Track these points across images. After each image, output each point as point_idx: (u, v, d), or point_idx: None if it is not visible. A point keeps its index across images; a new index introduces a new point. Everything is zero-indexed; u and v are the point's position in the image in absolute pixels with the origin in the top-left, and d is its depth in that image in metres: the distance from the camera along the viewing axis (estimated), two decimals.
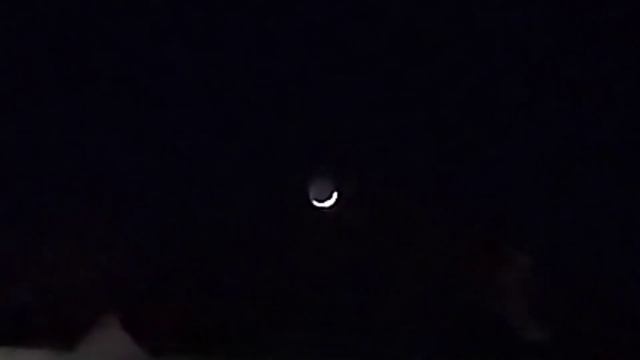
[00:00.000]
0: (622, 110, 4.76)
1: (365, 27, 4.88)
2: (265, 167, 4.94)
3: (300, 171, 4.95)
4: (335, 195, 4.89)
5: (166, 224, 4.96)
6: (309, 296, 4.86)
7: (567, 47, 4.76)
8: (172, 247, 4.94)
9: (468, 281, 4.80)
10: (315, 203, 4.91)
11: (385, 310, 4.81)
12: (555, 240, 4.77)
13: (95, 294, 4.90)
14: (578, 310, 4.73)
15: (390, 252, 4.86)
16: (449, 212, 4.83)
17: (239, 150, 4.94)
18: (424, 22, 4.83)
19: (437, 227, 4.83)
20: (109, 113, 4.97)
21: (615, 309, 4.70)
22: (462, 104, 4.86)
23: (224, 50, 4.93)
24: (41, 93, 5.01)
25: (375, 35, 4.87)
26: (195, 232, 4.95)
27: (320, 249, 4.89)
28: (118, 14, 4.95)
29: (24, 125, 5.02)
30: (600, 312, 4.71)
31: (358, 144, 4.91)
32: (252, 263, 4.91)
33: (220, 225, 4.94)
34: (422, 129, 4.89)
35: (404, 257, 4.84)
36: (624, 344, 4.65)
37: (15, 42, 4.98)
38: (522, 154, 4.81)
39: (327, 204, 4.91)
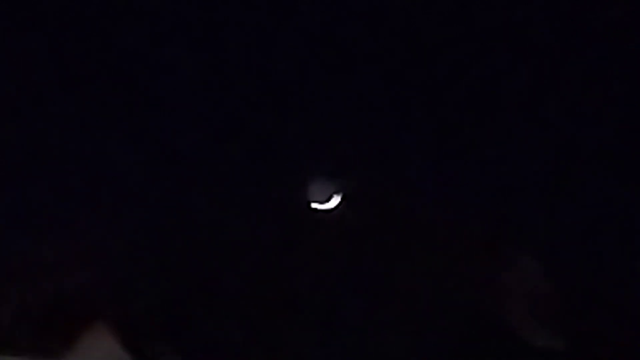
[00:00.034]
0: (623, 110, 4.76)
1: (365, 27, 4.87)
2: (265, 167, 4.94)
3: (301, 171, 4.95)
4: (335, 198, 4.89)
5: (166, 224, 4.94)
6: (309, 296, 4.86)
7: (567, 47, 4.75)
8: (172, 247, 4.94)
9: (468, 281, 4.79)
10: (315, 206, 4.91)
11: (385, 310, 4.80)
12: (556, 240, 4.75)
13: (90, 296, 4.90)
14: (578, 310, 4.72)
15: (390, 252, 4.84)
16: (449, 212, 4.81)
17: (239, 150, 4.94)
18: (424, 22, 4.82)
19: (437, 227, 4.82)
20: (109, 113, 4.93)
21: (616, 309, 4.69)
22: (463, 104, 4.84)
23: (224, 50, 4.92)
24: (41, 93, 4.97)
25: (375, 35, 4.86)
26: (195, 232, 4.93)
27: (320, 249, 4.87)
28: (118, 14, 4.93)
29: (24, 125, 4.98)
30: (600, 312, 4.69)
31: (358, 144, 4.91)
32: (252, 263, 4.91)
33: (220, 225, 4.93)
34: (422, 129, 4.88)
35: (403, 256, 4.83)
36: (624, 344, 4.64)
37: (15, 42, 4.97)
38: (523, 154, 4.79)
39: (327, 206, 4.91)
